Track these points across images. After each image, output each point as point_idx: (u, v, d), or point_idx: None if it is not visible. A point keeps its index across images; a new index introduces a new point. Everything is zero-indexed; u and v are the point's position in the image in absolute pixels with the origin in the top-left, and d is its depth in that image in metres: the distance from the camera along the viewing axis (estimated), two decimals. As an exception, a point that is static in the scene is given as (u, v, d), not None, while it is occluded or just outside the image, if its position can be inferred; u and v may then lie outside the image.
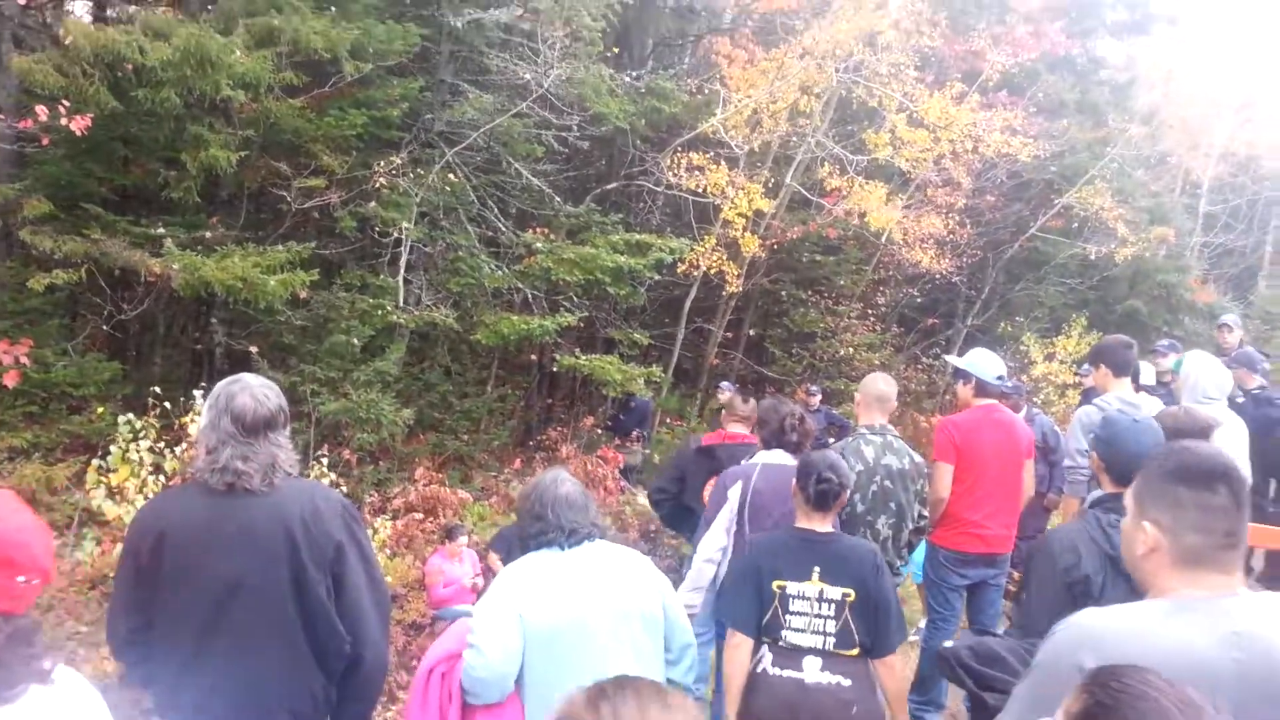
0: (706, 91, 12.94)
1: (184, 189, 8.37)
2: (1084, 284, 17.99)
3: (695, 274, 12.53)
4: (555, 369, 11.69)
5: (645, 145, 12.88)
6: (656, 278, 11.53)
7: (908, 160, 13.45)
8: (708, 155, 12.20)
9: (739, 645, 3.18)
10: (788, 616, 3.17)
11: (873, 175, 13.66)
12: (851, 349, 14.47)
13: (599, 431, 11.86)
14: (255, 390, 2.57)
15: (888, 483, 4.33)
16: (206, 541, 2.47)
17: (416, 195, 9.85)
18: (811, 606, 3.17)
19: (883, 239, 14.15)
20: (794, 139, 13.46)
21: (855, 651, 3.15)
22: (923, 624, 5.65)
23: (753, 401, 4.99)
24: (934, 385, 16.40)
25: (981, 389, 4.92)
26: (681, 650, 2.88)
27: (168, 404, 6.38)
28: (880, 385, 4.68)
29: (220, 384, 2.62)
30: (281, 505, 2.50)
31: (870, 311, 15.68)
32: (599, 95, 11.02)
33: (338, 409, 8.55)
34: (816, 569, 3.19)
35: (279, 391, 2.65)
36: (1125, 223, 16.26)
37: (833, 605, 3.18)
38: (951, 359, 5.26)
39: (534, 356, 12.64)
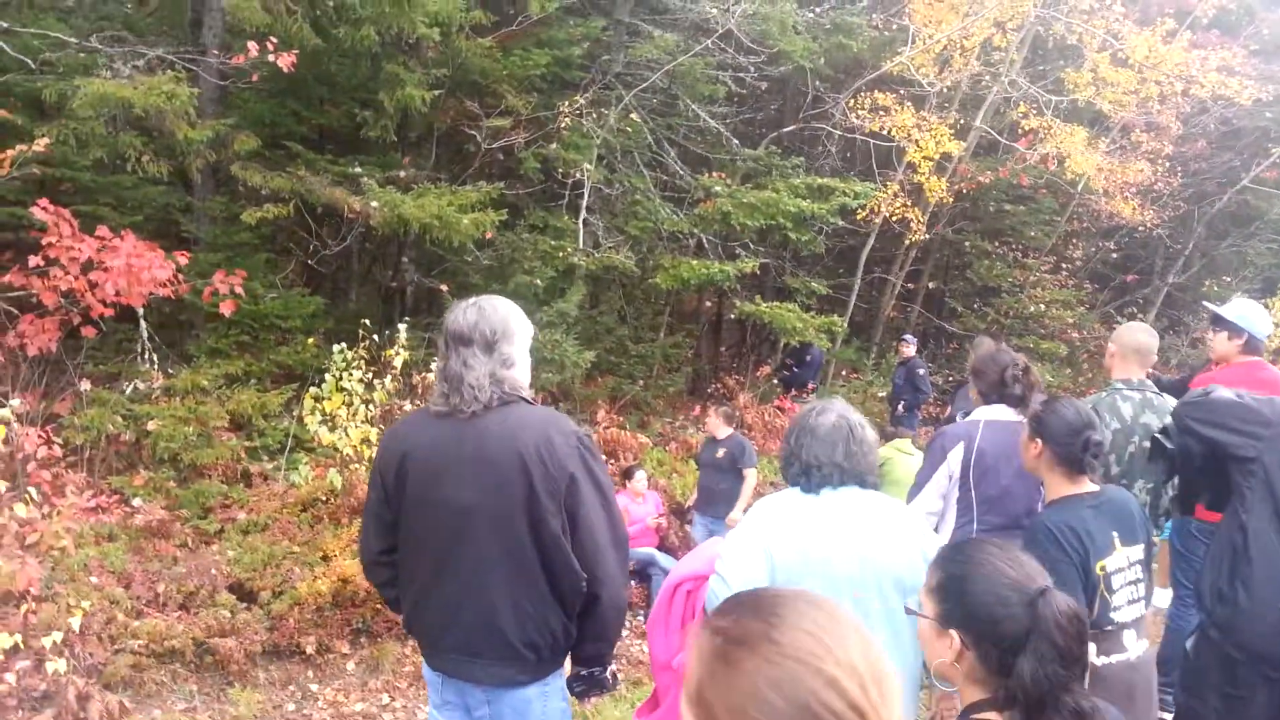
0: (894, 27, 12.22)
1: (380, 128, 8.49)
2: (1299, 242, 16.31)
3: (874, 221, 11.95)
4: (732, 316, 11.42)
5: (824, 86, 12.32)
6: (839, 223, 11.03)
7: (1111, 102, 12.38)
8: (893, 95, 11.56)
9: None
10: (1113, 597, 2.78)
11: (1069, 119, 12.65)
12: (1042, 305, 13.56)
13: (775, 382, 11.57)
14: (463, 307, 2.46)
15: (1146, 444, 3.89)
16: (442, 465, 2.39)
17: (597, 138, 9.72)
18: (1126, 577, 2.81)
19: (1079, 188, 13.13)
20: (985, 79, 12.60)
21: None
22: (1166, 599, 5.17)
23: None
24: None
25: (1252, 346, 4.41)
26: None
27: (375, 337, 6.49)
28: (1140, 336, 4.21)
29: None
30: (515, 433, 2.36)
31: (1064, 266, 14.66)
32: (784, 32, 10.55)
33: (523, 349, 8.57)
34: (1115, 534, 2.81)
35: (497, 311, 2.47)
36: (1352, 176, 14.60)
37: (1139, 567, 2.84)
38: (1214, 307, 4.70)
39: (708, 303, 12.40)
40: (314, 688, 5.65)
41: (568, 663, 2.60)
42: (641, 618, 7.25)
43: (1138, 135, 13.39)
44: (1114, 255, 16.07)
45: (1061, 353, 13.55)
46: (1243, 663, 3.01)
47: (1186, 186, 14.79)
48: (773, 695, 0.91)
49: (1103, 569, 2.76)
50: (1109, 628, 2.77)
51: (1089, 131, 12.78)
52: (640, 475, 7.82)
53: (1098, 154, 12.34)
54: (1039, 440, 2.95)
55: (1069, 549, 2.71)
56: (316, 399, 6.08)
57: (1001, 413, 3.68)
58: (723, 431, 7.36)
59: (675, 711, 2.61)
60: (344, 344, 6.22)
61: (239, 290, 7.25)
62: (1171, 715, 3.52)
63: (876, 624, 2.38)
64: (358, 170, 8.35)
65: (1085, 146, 11.99)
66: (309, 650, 5.77)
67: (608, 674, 2.60)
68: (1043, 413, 3.03)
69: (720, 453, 7.26)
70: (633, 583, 7.43)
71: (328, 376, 6.09)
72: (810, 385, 11.14)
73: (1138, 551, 2.85)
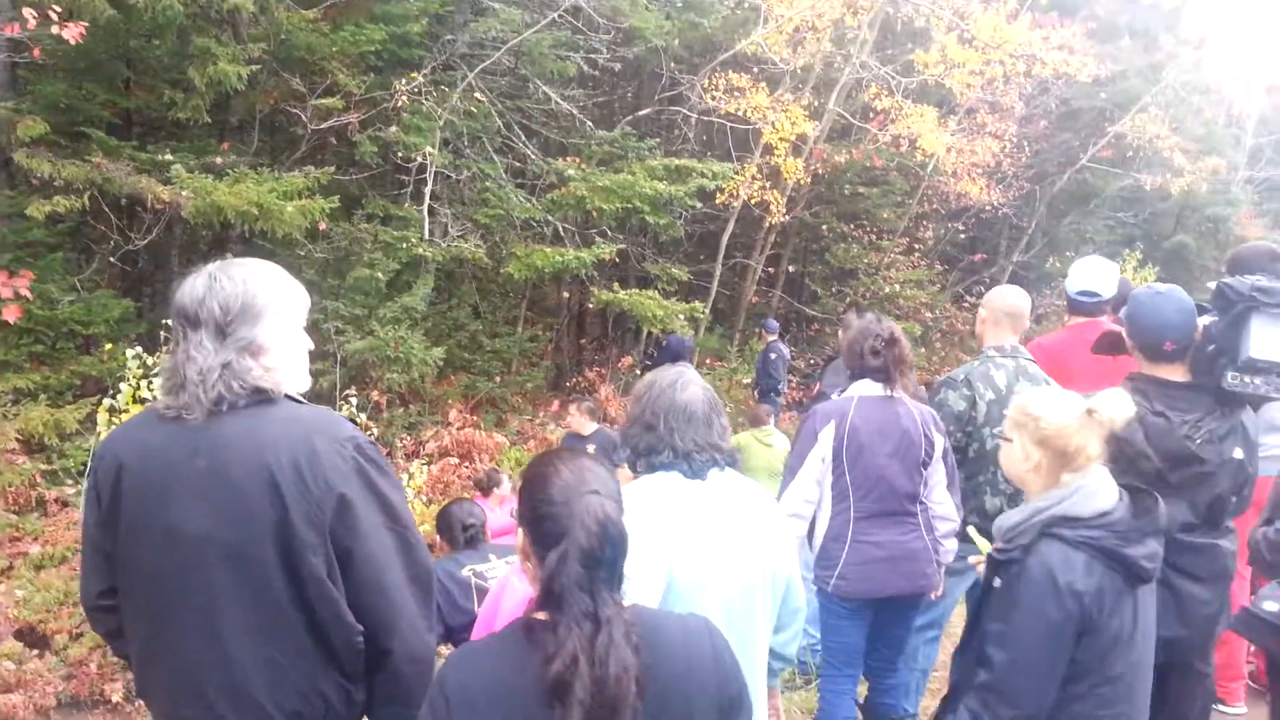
0: (746, 6, 12.07)
1: (192, 108, 7.69)
2: (1133, 217, 17.16)
3: (734, 205, 11.78)
4: (590, 306, 11.02)
5: (679, 67, 12.07)
6: (698, 206, 10.78)
7: (959, 82, 12.61)
8: (747, 76, 11.41)
9: None
10: None
11: (919, 100, 12.83)
12: (897, 286, 13.76)
13: (638, 372, 11.26)
14: (193, 277, 1.89)
15: None
16: (166, 482, 1.82)
17: (439, 119, 9.13)
18: None
19: (928, 170, 13.36)
20: (837, 60, 12.62)
21: None
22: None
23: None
24: (980, 324, 15.67)
25: (1073, 306, 4.25)
26: (791, 615, 2.31)
27: (182, 339, 5.78)
28: (1011, 299, 3.94)
29: None
30: (266, 442, 1.80)
31: (916, 247, 14.92)
32: (635, 9, 10.20)
33: (364, 347, 7.95)
34: None
35: (234, 281, 1.87)
36: (1181, 152, 15.42)
37: None
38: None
39: (565, 294, 11.96)
40: (120, 740, 4.99)
41: None
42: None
43: (983, 117, 13.72)
44: (962, 235, 16.50)
45: (916, 332, 13.79)
46: None
47: (1029, 167, 15.31)
48: None
49: None
50: None
51: (939, 113, 13.01)
52: (506, 483, 7.33)
53: (947, 133, 12.56)
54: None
55: None
56: (112, 412, 5.34)
57: (869, 388, 3.47)
58: (588, 428, 6.92)
59: None
60: (140, 349, 5.48)
61: (25, 293, 6.39)
62: None
63: (755, 611, 2.12)
64: (168, 157, 7.52)
65: (935, 126, 12.16)
66: (115, 698, 5.12)
67: None
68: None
69: (590, 449, 6.87)
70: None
71: (123, 386, 5.34)
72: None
73: None
